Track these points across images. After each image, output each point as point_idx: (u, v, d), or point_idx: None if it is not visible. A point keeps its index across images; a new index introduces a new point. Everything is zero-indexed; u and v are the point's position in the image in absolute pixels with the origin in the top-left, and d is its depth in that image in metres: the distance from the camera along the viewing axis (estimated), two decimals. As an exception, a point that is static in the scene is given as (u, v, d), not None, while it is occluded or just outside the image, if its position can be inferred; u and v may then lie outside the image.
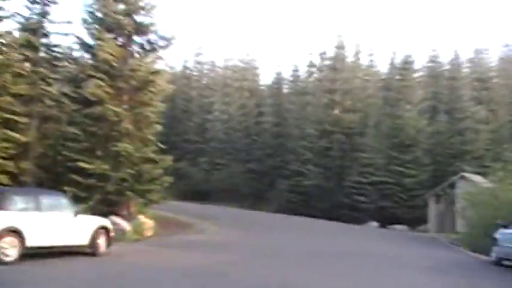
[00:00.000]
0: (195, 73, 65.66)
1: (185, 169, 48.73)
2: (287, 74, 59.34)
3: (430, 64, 55.93)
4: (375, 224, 38.44)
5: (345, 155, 45.48)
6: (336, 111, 46.91)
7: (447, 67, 54.19)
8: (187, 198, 41.52)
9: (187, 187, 46.03)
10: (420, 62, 55.45)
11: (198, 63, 65.71)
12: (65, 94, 21.56)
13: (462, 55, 56.77)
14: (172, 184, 22.45)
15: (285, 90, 58.21)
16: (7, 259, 11.13)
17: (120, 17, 21.22)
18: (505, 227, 17.73)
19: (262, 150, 51.70)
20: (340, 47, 50.13)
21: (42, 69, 20.52)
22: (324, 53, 51.80)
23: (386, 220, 38.33)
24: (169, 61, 69.44)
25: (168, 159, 21.82)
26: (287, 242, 21.79)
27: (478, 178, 31.59)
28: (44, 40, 21.09)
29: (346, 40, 52.64)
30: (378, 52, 67.88)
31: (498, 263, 17.51)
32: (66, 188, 17.51)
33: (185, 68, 65.40)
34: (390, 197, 39.89)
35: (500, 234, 17.82)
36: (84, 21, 21.47)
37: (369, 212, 39.94)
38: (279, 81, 58.45)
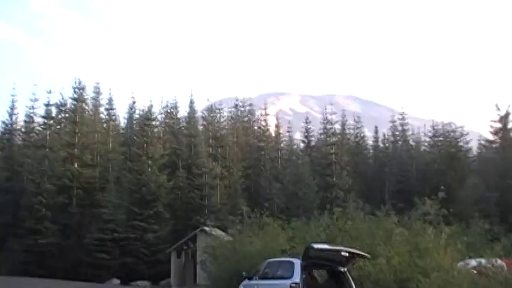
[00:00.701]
0: None
1: None
2: (19, 125, 55.75)
3: (168, 120, 58.43)
4: (116, 281, 37.95)
5: (84, 211, 44.24)
6: (75, 166, 45.63)
7: (184, 124, 57.44)
8: None
9: None
10: (159, 116, 57.33)
11: None
12: None
13: (197, 109, 61.02)
14: None
15: (19, 142, 54.37)
16: None
17: None
18: (250, 278, 18.95)
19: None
20: (79, 99, 49.50)
21: None
22: (64, 105, 50.40)
23: (129, 276, 38.12)
24: None
25: None
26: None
27: (217, 231, 33.58)
28: None
29: (86, 91, 52.00)
30: (118, 105, 68.17)
31: (244, 312, 18.40)
32: None
33: None
34: (132, 253, 39.92)
35: (243, 285, 18.46)
36: None
37: (111, 269, 39.27)
38: (9, 132, 54.69)
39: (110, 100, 56.85)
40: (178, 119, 58.49)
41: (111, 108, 57.12)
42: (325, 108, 58.23)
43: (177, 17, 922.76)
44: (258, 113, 69.39)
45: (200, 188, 44.61)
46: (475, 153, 53.57)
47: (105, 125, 53.64)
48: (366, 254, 16.46)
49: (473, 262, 16.59)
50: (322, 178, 46.85)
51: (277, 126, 65.68)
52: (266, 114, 66.31)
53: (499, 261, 14.26)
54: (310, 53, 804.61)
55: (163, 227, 41.82)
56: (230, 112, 69.41)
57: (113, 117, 57.48)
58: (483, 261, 15.53)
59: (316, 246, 15.87)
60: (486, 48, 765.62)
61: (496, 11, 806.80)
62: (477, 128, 58.45)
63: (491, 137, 48.92)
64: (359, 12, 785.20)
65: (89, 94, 52.81)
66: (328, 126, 55.27)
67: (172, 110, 58.99)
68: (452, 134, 50.35)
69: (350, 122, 66.72)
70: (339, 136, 54.42)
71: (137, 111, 57.57)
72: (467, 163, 48.54)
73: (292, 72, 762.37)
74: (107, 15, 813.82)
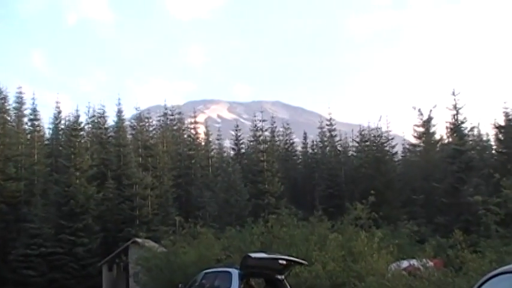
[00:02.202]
0: None
1: None
2: None
3: (95, 130, 57.05)
4: (45, 298, 36.66)
5: (9, 226, 42.50)
6: (-1, 180, 43.81)
7: (113, 133, 56.26)
8: None
9: None
10: (86, 126, 55.93)
11: None
12: None
13: (126, 118, 59.99)
14: None
15: None
16: None
17: None
18: None
19: None
20: (1, 110, 47.74)
21: None
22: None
23: (57, 293, 36.91)
24: None
25: None
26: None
27: (150, 243, 33.03)
28: None
29: (8, 101, 50.31)
30: (43, 115, 65.61)
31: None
32: None
33: None
34: (61, 268, 38.70)
35: None
36: None
37: (39, 286, 37.84)
38: None
39: (34, 110, 54.95)
40: (106, 128, 57.04)
41: (35, 119, 55.02)
42: (254, 115, 58.63)
43: (103, 20, 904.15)
44: (187, 121, 69.11)
45: (131, 199, 43.82)
46: (400, 157, 55.40)
47: (29, 136, 52.01)
48: (303, 261, 16.55)
49: (405, 263, 17.07)
50: (253, 185, 47.00)
51: (206, 134, 65.69)
52: (195, 122, 66.13)
53: (430, 262, 14.71)
54: (236, 60, 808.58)
55: (93, 240, 40.77)
56: (159, 120, 68.81)
57: (37, 128, 55.29)
58: (414, 262, 15.98)
59: (254, 255, 15.85)
60: (409, 53, 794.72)
61: (418, 14, 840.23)
62: (401, 133, 60.20)
63: (414, 141, 50.74)
64: (282, 17, 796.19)
65: (10, 104, 51.36)
66: (258, 133, 55.61)
67: (99, 120, 57.42)
68: (378, 138, 51.58)
69: (279, 128, 67.50)
70: (268, 143, 54.77)
71: (63, 121, 56.35)
72: (394, 167, 50.01)
73: (219, 79, 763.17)
74: (19, 14, 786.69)
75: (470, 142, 45.02)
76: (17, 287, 37.58)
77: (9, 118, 50.99)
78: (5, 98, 48.91)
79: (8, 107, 50.29)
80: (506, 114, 43.75)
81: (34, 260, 38.72)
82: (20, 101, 52.95)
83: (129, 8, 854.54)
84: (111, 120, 57.59)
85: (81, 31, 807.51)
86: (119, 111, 56.91)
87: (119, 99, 57.08)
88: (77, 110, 50.94)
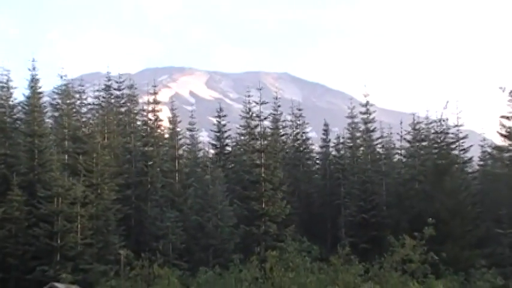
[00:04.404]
0: None
1: None
2: None
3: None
4: None
5: None
6: None
7: (22, 115, 56.12)
8: None
9: None
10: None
11: None
12: None
13: (44, 91, 59.66)
14: None
15: None
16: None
17: None
18: None
19: None
20: None
21: None
22: None
23: None
24: None
25: None
26: None
27: None
28: None
29: None
30: None
31: None
32: None
33: None
34: None
35: None
36: None
37: None
38: None
39: None
40: (11, 106, 56.75)
41: None
42: (248, 95, 58.53)
43: None
44: (142, 99, 68.85)
45: (49, 220, 43.74)
46: (477, 167, 55.42)
47: None
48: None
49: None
50: (244, 203, 47.13)
51: (172, 121, 65.39)
52: (155, 102, 65.81)
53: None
54: (222, 13, 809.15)
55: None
56: (98, 97, 68.63)
57: None
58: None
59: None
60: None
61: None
62: (479, 129, 59.92)
63: (501, 142, 50.07)
64: None
65: None
66: (253, 122, 55.65)
67: (1, 93, 57.22)
68: (442, 136, 51.52)
69: (286, 115, 67.52)
70: (269, 138, 54.79)
71: None
72: (466, 182, 49.89)
73: (195, 39, 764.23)
74: None
75: None
76: None
77: None
78: None
79: None
80: None
81: None
82: None
83: None
84: (19, 93, 57.37)
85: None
86: (33, 81, 56.25)
87: (34, 60, 56.15)
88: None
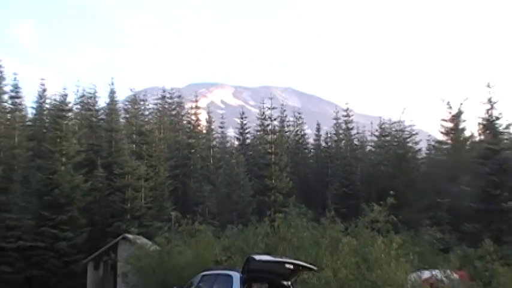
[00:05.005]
0: None
1: None
2: None
3: (84, 112, 57.14)
4: (22, 298, 36.97)
5: (-17, 216, 42.63)
6: (-27, 164, 43.99)
7: (104, 117, 56.43)
8: None
9: None
10: (75, 107, 56.11)
11: None
12: None
13: (119, 100, 60.29)
14: None
15: None
16: None
17: None
18: None
19: None
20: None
21: None
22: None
23: (37, 292, 37.15)
24: None
25: None
26: None
27: (142, 240, 33.19)
28: None
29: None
30: (25, 93, 65.56)
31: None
32: None
33: None
34: (41, 265, 38.51)
35: None
36: None
37: (14, 284, 37.91)
38: None
39: (16, 87, 54.89)
40: (97, 110, 57.42)
41: (17, 97, 55.16)
42: (262, 102, 58.72)
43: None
44: (187, 105, 69.22)
45: (122, 190, 43.84)
46: (424, 155, 55.30)
47: (9, 116, 51.69)
48: (312, 266, 16.62)
49: (426, 273, 17.12)
50: (259, 180, 47.17)
51: (208, 121, 65.78)
52: (196, 108, 66.08)
53: (454, 274, 14.77)
54: (244, 41, 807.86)
55: (78, 234, 40.79)
56: (156, 104, 69.07)
57: (19, 107, 55.48)
58: (437, 272, 16.03)
59: (258, 257, 15.89)
60: (435, 43, 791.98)
61: (442, 7, 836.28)
62: (427, 128, 60.25)
63: (441, 138, 50.57)
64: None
65: None
66: (266, 122, 55.70)
67: (89, 101, 57.74)
68: (400, 133, 51.46)
69: (289, 118, 67.54)
70: (277, 133, 54.74)
71: (48, 101, 56.32)
72: (417, 166, 49.80)
73: (225, 61, 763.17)
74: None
75: (506, 141, 44.59)
76: (-11, 285, 37.58)
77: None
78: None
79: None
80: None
81: (11, 255, 38.33)
82: (-1, 76, 53.04)
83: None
84: (102, 101, 57.98)
85: (74, 3, 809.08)
86: (112, 92, 57.36)
87: (112, 78, 57.60)
88: (65, 89, 50.51)
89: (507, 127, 43.51)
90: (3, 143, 47.01)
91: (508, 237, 29.07)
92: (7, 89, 54.18)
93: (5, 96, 54.25)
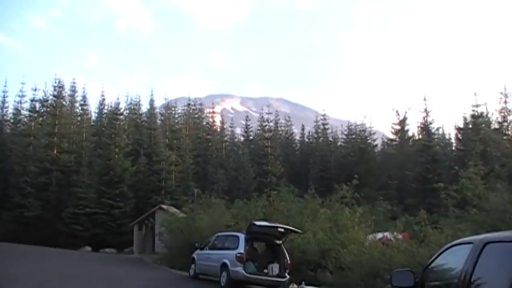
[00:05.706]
0: None
1: None
2: (8, 117, 54.37)
3: (132, 115, 57.26)
4: (88, 248, 37.23)
5: (62, 189, 42.76)
6: (55, 152, 44.20)
7: (145, 118, 56.51)
8: None
9: None
10: (125, 111, 56.24)
11: None
12: None
13: (156, 106, 60.34)
14: None
15: (8, 131, 52.77)
16: None
17: None
18: (201, 248, 18.72)
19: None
20: (59, 96, 48.60)
21: None
22: (46, 100, 49.15)
23: (98, 245, 37.29)
24: None
25: None
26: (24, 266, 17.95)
27: (173, 209, 33.24)
28: None
29: (64, 89, 51.15)
30: (90, 101, 66.32)
31: (196, 277, 18.24)
32: None
33: None
34: (102, 225, 38.96)
35: (196, 254, 18.50)
36: None
37: (84, 238, 38.32)
38: (0, 122, 53.19)
39: (84, 97, 56.66)
40: (140, 114, 57.40)
41: (85, 104, 56.60)
42: (262, 109, 58.57)
43: (144, 28, 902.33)
44: (206, 111, 69.10)
45: (158, 172, 43.98)
46: (379, 149, 55.25)
47: (79, 118, 52.43)
48: (298, 230, 16.75)
49: (379, 235, 17.21)
50: (259, 166, 47.17)
51: (221, 122, 65.71)
52: (213, 113, 66.04)
53: (399, 235, 14.88)
54: (250, 63, 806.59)
55: (127, 204, 41.03)
56: (183, 109, 68.78)
57: (86, 112, 56.80)
58: (387, 234, 16.14)
59: (258, 223, 16.08)
60: (390, 64, 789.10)
61: (407, 16, 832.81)
62: (381, 129, 60.04)
63: (392, 136, 50.64)
64: (288, 30, 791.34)
65: (66, 92, 53.00)
66: (264, 123, 55.62)
67: (135, 107, 57.79)
68: (363, 133, 51.43)
69: (282, 120, 67.36)
70: (272, 132, 54.67)
71: (106, 107, 56.94)
72: (374, 157, 49.81)
73: (235, 78, 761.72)
74: (81, 18, 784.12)
75: (436, 139, 45.27)
76: (68, 238, 37.88)
77: (64, 103, 51.68)
78: (62, 87, 50.05)
79: (64, 95, 51.32)
80: (465, 119, 43.75)
81: (81, 218, 39.02)
82: (73, 90, 54.25)
83: (167, 18, 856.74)
84: (144, 107, 58.11)
85: (127, 36, 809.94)
86: (151, 101, 57.36)
87: (152, 90, 58.00)
88: (118, 99, 51.74)
89: (437, 129, 44.49)
90: (75, 138, 47.63)
91: (436, 208, 29.17)
92: (78, 99, 55.53)
93: (77, 104, 55.33)
